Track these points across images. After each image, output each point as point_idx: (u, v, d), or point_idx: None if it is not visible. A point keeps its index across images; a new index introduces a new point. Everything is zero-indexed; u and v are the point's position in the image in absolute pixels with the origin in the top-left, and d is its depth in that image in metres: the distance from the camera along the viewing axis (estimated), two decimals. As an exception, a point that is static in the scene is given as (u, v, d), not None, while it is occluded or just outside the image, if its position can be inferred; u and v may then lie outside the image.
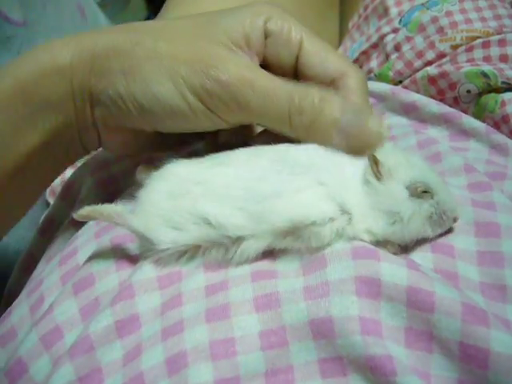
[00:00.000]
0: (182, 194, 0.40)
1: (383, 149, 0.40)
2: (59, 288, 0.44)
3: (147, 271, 0.40)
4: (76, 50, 0.43)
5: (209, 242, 0.39)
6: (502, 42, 0.62)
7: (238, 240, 0.39)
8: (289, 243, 0.38)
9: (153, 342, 0.37)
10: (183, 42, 0.42)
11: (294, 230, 0.38)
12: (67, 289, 0.42)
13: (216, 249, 0.39)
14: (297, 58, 0.44)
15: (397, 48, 0.70)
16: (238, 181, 0.40)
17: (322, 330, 0.34)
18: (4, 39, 0.65)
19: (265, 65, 0.45)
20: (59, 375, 0.37)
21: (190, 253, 0.40)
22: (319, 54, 0.44)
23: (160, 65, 0.41)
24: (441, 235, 0.40)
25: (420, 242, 0.39)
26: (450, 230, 0.40)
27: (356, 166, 0.40)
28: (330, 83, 0.44)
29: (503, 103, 0.58)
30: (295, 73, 0.45)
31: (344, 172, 0.40)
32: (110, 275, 0.42)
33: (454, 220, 0.40)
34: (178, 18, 0.46)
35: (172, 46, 0.41)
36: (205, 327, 0.36)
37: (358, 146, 0.40)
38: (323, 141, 0.40)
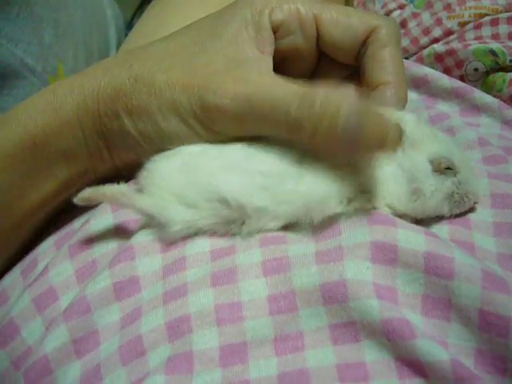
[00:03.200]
0: (197, 168, 0.38)
1: (410, 121, 0.38)
2: (53, 251, 0.42)
3: (149, 234, 0.38)
4: (80, 99, 0.41)
5: (221, 217, 0.37)
6: (510, 20, 0.61)
7: (255, 219, 0.37)
8: (305, 219, 0.37)
9: (153, 306, 0.35)
10: (181, 66, 0.39)
11: (313, 209, 0.36)
12: (63, 251, 0.40)
13: (228, 226, 0.37)
14: (317, 37, 0.41)
15: (403, 24, 0.68)
16: (261, 154, 0.38)
17: (334, 294, 0.33)
18: (3, 3, 0.64)
19: (281, 59, 0.42)
20: (53, 337, 0.36)
21: (199, 229, 0.38)
22: (340, 22, 0.41)
23: (161, 99, 0.39)
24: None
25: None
26: (468, 210, 0.39)
27: None
28: (363, 44, 0.41)
29: (511, 82, 0.57)
30: (320, 57, 0.43)
31: None
32: (110, 237, 0.40)
33: (474, 202, 0.38)
34: (178, 33, 0.43)
35: (170, 76, 0.39)
36: (210, 291, 0.35)
37: (369, 150, 0.36)
38: (330, 148, 0.36)
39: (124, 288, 0.37)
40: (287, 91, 0.36)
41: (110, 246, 0.40)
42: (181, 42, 0.41)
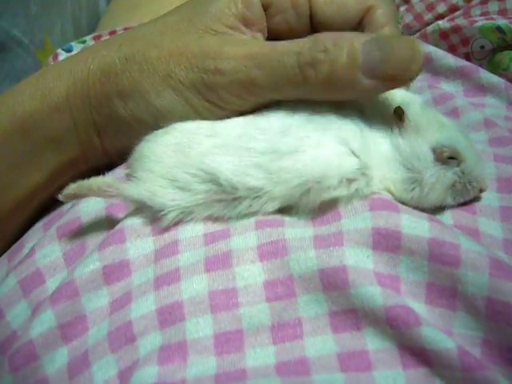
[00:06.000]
0: (190, 147, 0.36)
1: (414, 106, 0.37)
2: (41, 234, 0.41)
3: (140, 216, 0.37)
4: (69, 83, 0.40)
5: (215, 200, 0.36)
6: None
7: (250, 200, 0.35)
8: (303, 201, 0.35)
9: (144, 290, 0.34)
10: (173, 42, 0.38)
11: (311, 189, 0.34)
12: (51, 232, 0.39)
13: (221, 207, 0.36)
14: (310, 16, 0.40)
15: (406, 0, 0.66)
16: (255, 130, 0.36)
17: (333, 280, 0.32)
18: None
19: (274, 38, 0.40)
20: (39, 322, 0.34)
21: (192, 214, 0.36)
22: (334, 1, 0.40)
23: (155, 74, 0.38)
24: None
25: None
26: (474, 198, 0.37)
27: (380, 123, 0.37)
28: (358, 25, 0.40)
29: (518, 60, 0.55)
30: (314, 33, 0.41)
31: (366, 128, 0.37)
32: (99, 219, 0.39)
33: (481, 190, 0.37)
34: (164, 14, 0.42)
35: (162, 50, 0.38)
36: (204, 276, 0.33)
37: (393, 79, 0.34)
38: (351, 88, 0.35)
39: (114, 272, 0.35)
40: (292, 43, 0.36)
41: (100, 228, 0.38)
42: (169, 20, 0.41)
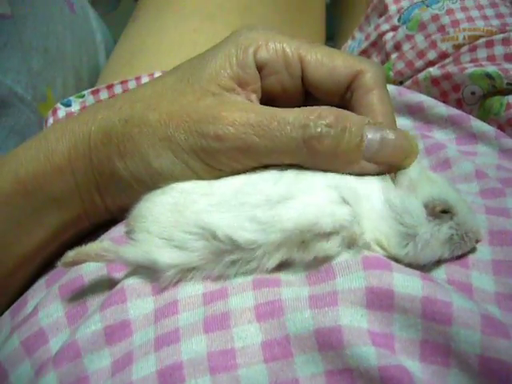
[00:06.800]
0: (186, 207, 0.37)
1: None
2: (44, 291, 0.41)
3: (141, 275, 0.37)
4: (71, 144, 0.41)
5: (212, 258, 0.36)
6: (505, 41, 0.61)
7: (247, 255, 0.36)
8: (298, 255, 0.35)
9: (145, 351, 0.34)
10: (171, 104, 0.39)
11: (304, 239, 0.35)
12: (53, 290, 0.39)
13: (219, 265, 0.36)
14: (302, 77, 0.41)
15: (397, 47, 0.68)
16: (249, 186, 0.37)
17: (329, 340, 0.32)
18: (-8, 32, 0.64)
19: (268, 98, 0.41)
20: None
21: (191, 272, 0.37)
22: (324, 64, 0.40)
23: (154, 137, 0.38)
24: None
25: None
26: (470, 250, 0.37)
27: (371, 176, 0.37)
28: (347, 89, 0.40)
29: (509, 106, 0.57)
30: (305, 95, 0.42)
31: (357, 180, 0.37)
32: (101, 277, 0.39)
33: (477, 241, 0.37)
34: (163, 75, 0.43)
35: (161, 113, 0.39)
36: (203, 337, 0.34)
37: (390, 165, 0.37)
38: (348, 166, 0.37)
39: (115, 332, 0.36)
40: (292, 114, 0.36)
41: (102, 287, 0.39)
42: (167, 81, 0.41)
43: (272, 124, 0.36)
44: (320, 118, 0.36)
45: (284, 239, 0.35)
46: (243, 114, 0.37)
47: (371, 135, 0.36)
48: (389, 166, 0.37)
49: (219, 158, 0.38)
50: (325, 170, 0.37)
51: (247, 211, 0.36)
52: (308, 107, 0.37)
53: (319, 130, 0.36)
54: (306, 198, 0.36)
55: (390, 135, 0.37)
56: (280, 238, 0.35)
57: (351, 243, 0.35)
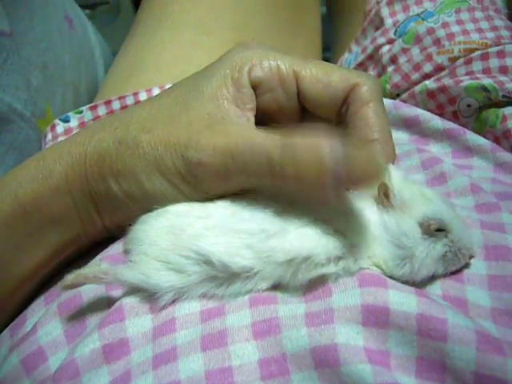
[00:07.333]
0: (182, 230, 0.37)
1: (396, 178, 0.37)
2: (42, 309, 0.42)
3: (139, 294, 0.38)
4: (68, 165, 0.41)
5: (209, 280, 0.36)
6: (500, 54, 0.61)
7: (242, 279, 0.36)
8: (292, 279, 0.36)
9: (143, 370, 0.34)
10: (164, 128, 0.39)
11: (299, 269, 0.35)
12: (52, 309, 0.40)
13: (215, 286, 0.37)
14: (297, 93, 0.41)
15: (393, 60, 0.68)
16: (246, 212, 0.37)
17: (325, 358, 0.32)
18: (-10, 50, 0.64)
19: (264, 115, 0.41)
20: None
21: (187, 293, 0.37)
22: (320, 79, 0.40)
23: (144, 160, 0.39)
24: None
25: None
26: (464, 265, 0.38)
27: (364, 197, 0.37)
28: (343, 103, 0.40)
29: (504, 118, 0.57)
30: (302, 111, 0.42)
31: (350, 205, 0.37)
32: (99, 295, 0.39)
33: (470, 257, 0.37)
34: (160, 95, 0.43)
35: (153, 136, 0.39)
36: (200, 356, 0.34)
37: (358, 186, 0.35)
38: (314, 190, 0.36)
39: (113, 350, 0.36)
40: (267, 139, 0.36)
41: (100, 305, 0.39)
42: (163, 103, 0.41)
43: (246, 149, 0.36)
44: (284, 148, 0.35)
45: (280, 269, 0.35)
46: (224, 140, 0.37)
47: (336, 159, 0.34)
48: (358, 188, 0.36)
49: (203, 183, 0.38)
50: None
51: (243, 238, 0.36)
52: (282, 135, 0.36)
53: (282, 157, 0.35)
54: (300, 230, 0.36)
55: (353, 159, 0.34)
56: (276, 267, 0.35)
57: (346, 270, 0.36)
